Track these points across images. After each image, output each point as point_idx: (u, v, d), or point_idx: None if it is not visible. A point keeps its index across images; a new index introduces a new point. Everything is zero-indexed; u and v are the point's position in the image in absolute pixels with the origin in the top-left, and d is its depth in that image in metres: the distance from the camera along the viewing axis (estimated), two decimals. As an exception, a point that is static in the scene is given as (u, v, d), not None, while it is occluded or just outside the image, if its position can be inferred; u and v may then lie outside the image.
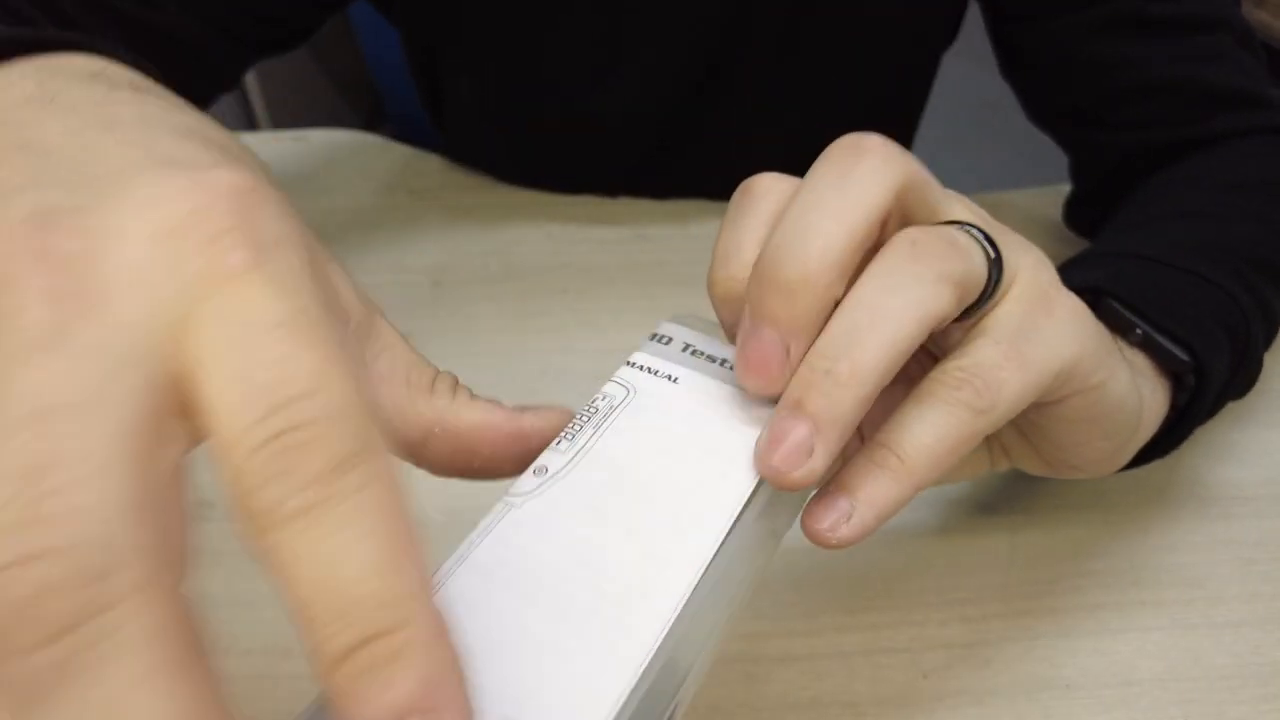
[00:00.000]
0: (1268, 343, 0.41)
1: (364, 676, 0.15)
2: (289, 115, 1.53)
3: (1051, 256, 0.59)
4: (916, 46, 0.62)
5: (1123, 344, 0.36)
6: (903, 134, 0.70)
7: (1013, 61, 0.58)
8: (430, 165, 0.66)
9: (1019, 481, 0.45)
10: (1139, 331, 0.35)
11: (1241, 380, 0.39)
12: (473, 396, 0.24)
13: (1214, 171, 0.49)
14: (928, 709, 0.36)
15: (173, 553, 0.15)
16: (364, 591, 0.15)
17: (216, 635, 0.40)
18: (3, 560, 0.13)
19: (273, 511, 0.15)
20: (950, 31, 0.63)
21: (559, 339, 0.53)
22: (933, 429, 0.26)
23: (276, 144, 0.60)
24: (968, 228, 0.27)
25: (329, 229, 0.60)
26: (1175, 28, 0.50)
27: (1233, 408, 0.42)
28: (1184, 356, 0.35)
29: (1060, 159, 0.59)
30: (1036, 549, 0.42)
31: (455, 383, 0.25)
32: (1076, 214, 0.59)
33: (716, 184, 0.63)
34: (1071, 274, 0.37)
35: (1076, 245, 0.59)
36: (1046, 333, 0.27)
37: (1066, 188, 0.61)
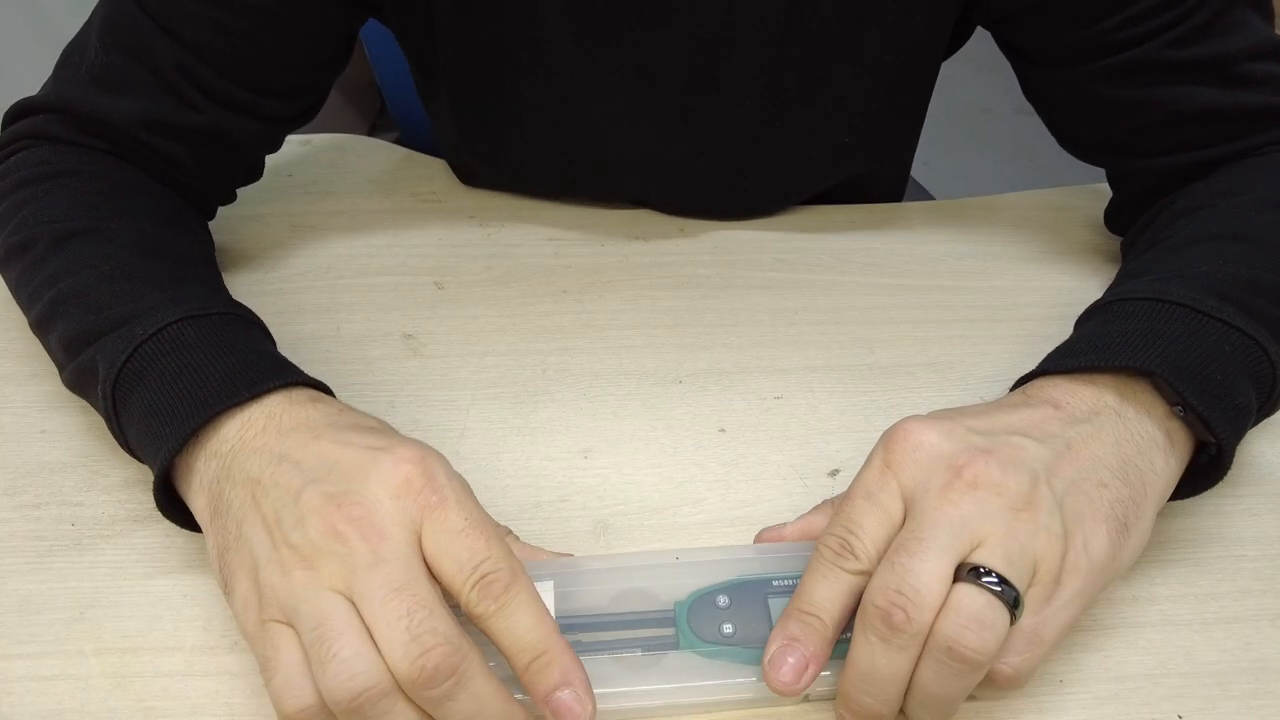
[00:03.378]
0: None
1: (538, 676, 0.33)
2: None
3: (1048, 257, 0.59)
4: (909, 76, 0.59)
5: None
6: (904, 141, 0.67)
7: (1035, 94, 0.57)
8: (432, 168, 0.67)
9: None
10: (1180, 410, 0.39)
11: (1265, 414, 0.42)
12: (516, 540, 0.40)
13: (1254, 187, 0.49)
14: (923, 704, 0.37)
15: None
16: (530, 640, 0.33)
17: (221, 634, 0.41)
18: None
19: (485, 614, 0.33)
20: (948, 50, 0.61)
21: (559, 339, 0.53)
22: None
23: (283, 147, 0.60)
24: (988, 583, 0.33)
25: (333, 231, 0.61)
26: (1201, 66, 0.49)
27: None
28: (1213, 440, 0.39)
29: (1052, 162, 0.59)
30: (1031, 547, 0.43)
31: (505, 533, 0.39)
32: (1117, 220, 0.59)
33: (716, 207, 0.62)
34: (1119, 323, 0.41)
35: (1072, 246, 0.60)
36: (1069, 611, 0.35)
37: (1060, 191, 0.61)
